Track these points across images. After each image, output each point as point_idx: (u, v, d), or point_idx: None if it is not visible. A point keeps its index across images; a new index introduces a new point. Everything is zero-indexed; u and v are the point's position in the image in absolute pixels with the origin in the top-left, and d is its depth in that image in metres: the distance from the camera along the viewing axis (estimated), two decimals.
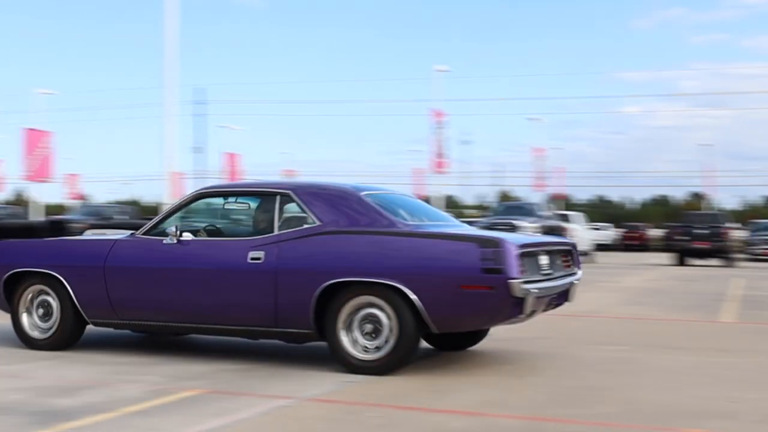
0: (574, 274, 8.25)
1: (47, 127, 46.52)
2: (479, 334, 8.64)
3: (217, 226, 8.27)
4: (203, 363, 8.06)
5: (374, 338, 7.24)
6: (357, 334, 7.27)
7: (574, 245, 8.56)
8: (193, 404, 6.24)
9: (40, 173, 44.56)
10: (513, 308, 6.95)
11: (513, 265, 6.81)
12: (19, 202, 73.57)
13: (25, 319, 8.59)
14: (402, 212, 7.81)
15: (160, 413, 5.94)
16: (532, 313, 7.30)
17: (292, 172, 68.15)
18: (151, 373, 7.52)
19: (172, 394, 6.61)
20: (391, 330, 7.13)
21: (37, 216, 43.07)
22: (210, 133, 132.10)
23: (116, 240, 8.36)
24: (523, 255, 7.01)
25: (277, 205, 7.71)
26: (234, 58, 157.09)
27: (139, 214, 38.73)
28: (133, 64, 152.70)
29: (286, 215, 7.67)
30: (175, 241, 7.89)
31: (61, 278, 8.29)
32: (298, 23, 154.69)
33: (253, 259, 7.52)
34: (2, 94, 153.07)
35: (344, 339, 7.29)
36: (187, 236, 7.90)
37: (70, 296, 8.28)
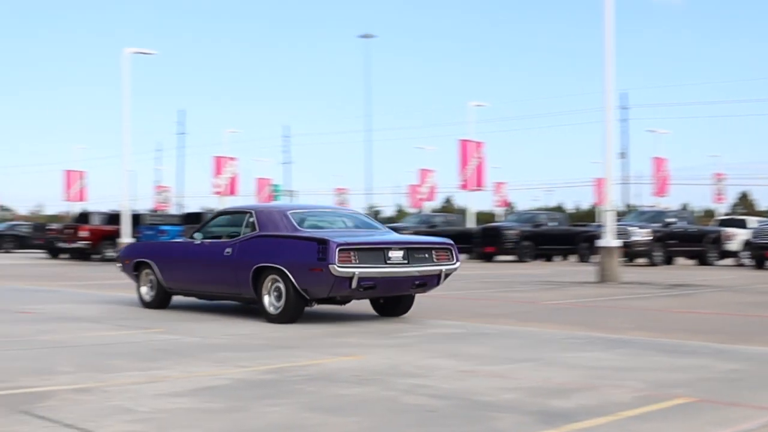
0: (444, 265, 11.97)
1: (479, 138, 48.62)
2: (403, 306, 12.72)
3: (217, 233, 12.95)
4: (679, 371, 7.93)
5: (279, 300, 11.65)
6: (271, 297, 11.75)
7: (450, 244, 12.26)
8: (688, 412, 6.15)
9: (473, 182, 46.56)
10: (342, 283, 11.05)
11: (333, 257, 10.84)
12: (448, 209, 77.61)
13: (143, 289, 14.08)
14: (309, 223, 12.21)
15: (658, 419, 5.93)
16: (369, 288, 11.30)
17: (720, 175, 65.03)
18: (630, 378, 7.53)
19: (662, 401, 6.56)
20: (285, 295, 11.51)
21: (470, 223, 45.03)
22: (633, 138, 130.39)
23: (173, 240, 14.86)
24: (350, 250, 10.99)
25: (245, 219, 12.46)
26: (653, 59, 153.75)
27: (567, 221, 39.16)
28: (559, 73, 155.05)
29: (247, 226, 12.30)
30: (198, 242, 12.97)
31: (152, 264, 13.75)
32: (716, 20, 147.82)
33: (226, 252, 12.32)
34: (439, 107, 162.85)
35: (266, 300, 11.80)
36: (200, 238, 13.04)
37: (157, 275, 13.68)
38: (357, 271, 10.95)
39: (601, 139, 23.37)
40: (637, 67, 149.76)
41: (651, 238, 33.25)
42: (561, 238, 38.06)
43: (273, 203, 17.61)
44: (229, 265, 12.15)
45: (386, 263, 11.29)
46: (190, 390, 6.85)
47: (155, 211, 74.53)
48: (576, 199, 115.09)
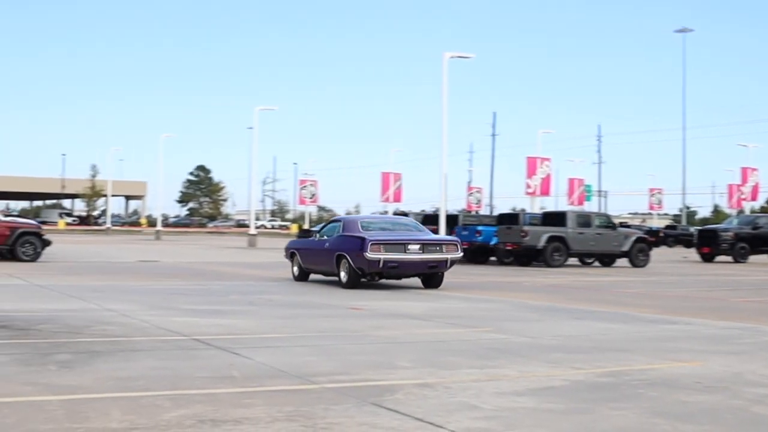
0: (451, 254, 18.14)
1: None
2: (434, 282, 18.78)
3: (326, 233, 19.60)
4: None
5: (346, 274, 18.15)
6: (343, 272, 18.19)
7: (455, 241, 18.94)
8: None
9: None
10: (374, 263, 17.46)
11: (367, 247, 17.34)
12: None
13: (294, 269, 20.78)
14: (373, 227, 18.70)
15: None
16: (393, 268, 17.75)
17: None
18: None
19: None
20: (348, 270, 18.04)
21: None
22: None
23: (306, 239, 21.29)
24: (379, 243, 17.51)
25: (339, 225, 19.32)
26: None
27: None
28: None
29: (339, 229, 19.27)
30: (317, 239, 19.69)
31: (296, 253, 20.57)
32: None
33: (326, 246, 18.89)
34: (762, 103, 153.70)
35: (341, 274, 18.24)
36: (318, 236, 19.83)
37: (299, 260, 20.52)
38: (383, 257, 17.38)
39: None
40: None
41: None
42: None
43: (355, 216, 26.64)
44: (326, 253, 18.78)
45: (405, 252, 17.62)
46: (529, 389, 6.90)
47: (469, 211, 76.04)
48: None
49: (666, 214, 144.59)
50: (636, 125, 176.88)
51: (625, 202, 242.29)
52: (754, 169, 62.12)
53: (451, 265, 18.37)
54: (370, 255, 17.21)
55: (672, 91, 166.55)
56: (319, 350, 9.05)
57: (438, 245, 18.11)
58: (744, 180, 62.28)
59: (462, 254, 18.64)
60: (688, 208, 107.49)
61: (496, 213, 54.00)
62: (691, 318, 13.02)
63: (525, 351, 9.17)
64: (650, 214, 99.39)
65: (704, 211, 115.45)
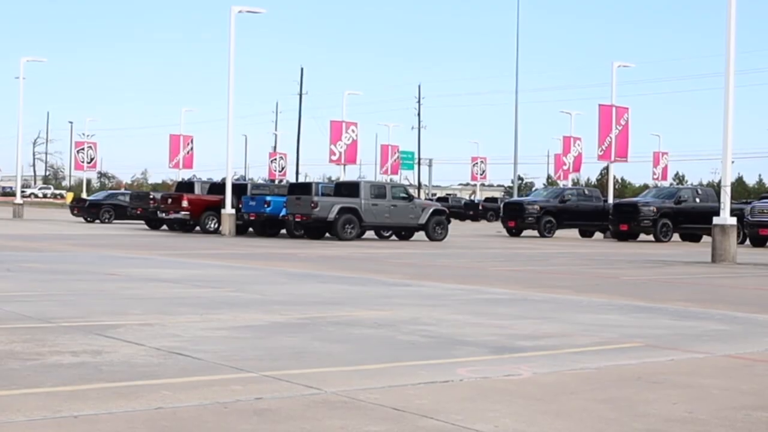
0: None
1: (627, 102, 50.58)
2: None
3: None
4: (663, 328, 10.64)
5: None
6: None
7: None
8: (626, 351, 8.88)
9: (616, 152, 48.51)
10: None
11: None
12: (604, 183, 79.13)
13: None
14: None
15: (590, 354, 8.69)
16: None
17: None
18: (609, 331, 10.27)
19: (612, 344, 9.32)
20: None
21: (611, 199, 47.00)
22: None
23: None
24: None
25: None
26: None
27: (712, 197, 40.71)
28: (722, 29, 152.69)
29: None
30: None
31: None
32: None
33: None
34: (587, 68, 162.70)
35: None
36: None
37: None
38: None
39: (723, 103, 25.42)
40: None
41: None
42: (707, 216, 40.00)
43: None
44: None
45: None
46: (231, 327, 9.98)
47: (272, 180, 78.83)
48: (760, 173, 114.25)
49: (500, 185, 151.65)
50: (463, 87, 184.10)
51: (454, 171, 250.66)
52: (577, 139, 67.55)
53: None
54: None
55: (498, 51, 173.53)
56: (66, 303, 11.85)
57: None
58: (566, 150, 67.65)
59: None
60: (521, 179, 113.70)
61: (305, 181, 57.08)
62: (432, 282, 16.44)
63: (250, 304, 12.26)
64: (482, 185, 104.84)
65: (539, 183, 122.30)
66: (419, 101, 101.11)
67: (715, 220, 24.98)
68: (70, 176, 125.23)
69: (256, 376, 7.14)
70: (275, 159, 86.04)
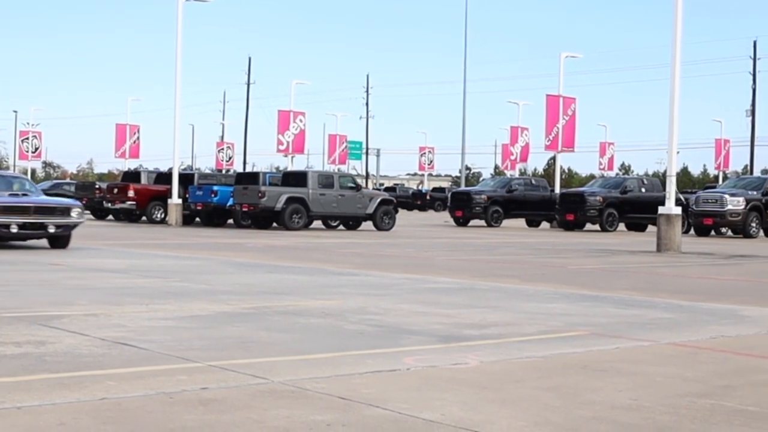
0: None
1: (574, 92, 50.89)
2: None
3: None
4: (608, 317, 10.73)
5: None
6: None
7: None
8: (572, 340, 8.93)
9: (563, 142, 48.88)
10: None
11: None
12: (550, 173, 79.64)
13: None
14: None
15: (536, 342, 8.74)
16: None
17: None
18: (555, 320, 10.33)
19: (558, 332, 9.37)
20: None
21: (557, 189, 47.37)
22: (764, 94, 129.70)
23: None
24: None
25: None
26: None
27: (657, 187, 41.11)
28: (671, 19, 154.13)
29: None
30: None
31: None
32: None
33: None
34: (535, 59, 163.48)
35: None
36: None
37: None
38: None
39: (668, 94, 25.67)
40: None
41: (745, 207, 35.30)
42: (652, 206, 40.43)
43: None
44: None
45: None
46: (177, 317, 9.90)
47: (219, 170, 78.48)
48: (705, 163, 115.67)
49: (448, 175, 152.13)
50: (411, 77, 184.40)
51: (402, 161, 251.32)
52: (525, 129, 67.93)
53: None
54: None
55: (453, 41, 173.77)
56: (8, 294, 11.70)
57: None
58: (514, 140, 68.03)
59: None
60: (468, 169, 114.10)
61: (253, 171, 56.90)
62: (380, 272, 16.44)
63: (197, 294, 12.18)
64: (430, 174, 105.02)
65: (487, 173, 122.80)
66: (367, 91, 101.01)
67: (660, 209, 25.22)
68: (14, 166, 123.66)
69: (202, 366, 7.10)
70: (222, 149, 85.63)
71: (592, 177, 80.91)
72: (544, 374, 7.16)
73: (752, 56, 72.73)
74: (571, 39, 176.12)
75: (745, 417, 5.88)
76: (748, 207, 35.40)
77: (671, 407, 6.08)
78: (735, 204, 35.32)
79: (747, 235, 35.44)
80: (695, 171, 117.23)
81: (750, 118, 71.81)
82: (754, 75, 72.28)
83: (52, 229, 20.17)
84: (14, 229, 19.67)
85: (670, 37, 25.73)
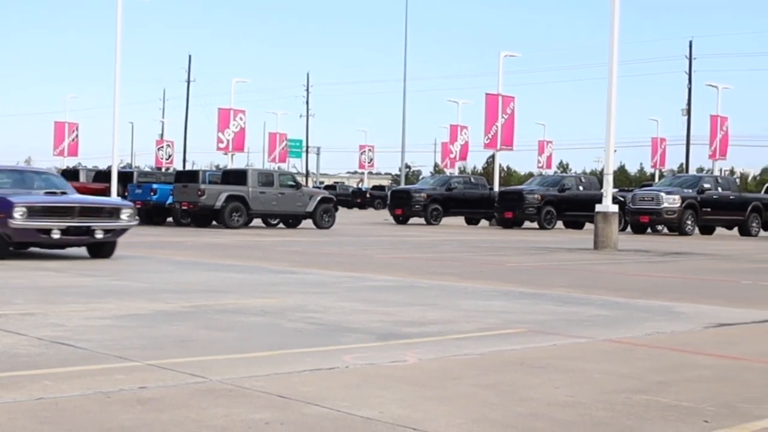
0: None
1: (513, 91, 51.18)
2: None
3: None
4: (546, 314, 10.82)
5: None
6: None
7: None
8: (509, 337, 8.99)
9: (502, 141, 49.14)
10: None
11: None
12: (489, 171, 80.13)
13: None
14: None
15: (475, 340, 8.78)
16: None
17: None
18: (494, 317, 10.39)
19: (496, 330, 9.42)
20: None
21: (496, 187, 47.64)
22: (699, 93, 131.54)
23: None
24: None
25: None
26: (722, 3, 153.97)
27: (595, 185, 41.49)
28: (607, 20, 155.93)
29: None
30: None
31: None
32: None
33: None
34: (476, 58, 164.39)
35: None
36: None
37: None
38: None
39: (606, 93, 25.93)
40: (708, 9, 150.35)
41: (681, 205, 35.73)
42: (590, 204, 40.81)
43: None
44: None
45: None
46: (116, 316, 9.81)
47: (158, 168, 77.82)
48: (642, 161, 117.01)
49: (388, 174, 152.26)
50: (351, 75, 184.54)
51: (342, 159, 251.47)
52: (464, 127, 68.15)
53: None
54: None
55: (393, 39, 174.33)
56: None
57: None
58: (453, 138, 68.23)
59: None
60: (408, 167, 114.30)
61: (192, 169, 56.53)
62: (319, 270, 16.43)
63: (136, 293, 12.08)
64: (370, 173, 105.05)
65: (427, 171, 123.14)
66: (308, 89, 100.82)
67: (598, 207, 25.45)
68: None
69: (141, 365, 7.04)
70: (162, 147, 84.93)
71: (530, 175, 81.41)
72: (482, 371, 7.20)
73: (688, 56, 73.62)
74: (510, 38, 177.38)
75: (679, 412, 5.95)
76: (683, 205, 35.82)
77: (607, 403, 6.14)
78: (671, 202, 35.72)
79: (683, 233, 35.85)
80: (632, 169, 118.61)
81: (686, 117, 72.69)
82: (690, 75, 73.15)
83: (99, 235, 17.23)
84: (56, 235, 16.74)
85: (608, 37, 25.99)
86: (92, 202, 18.31)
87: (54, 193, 17.94)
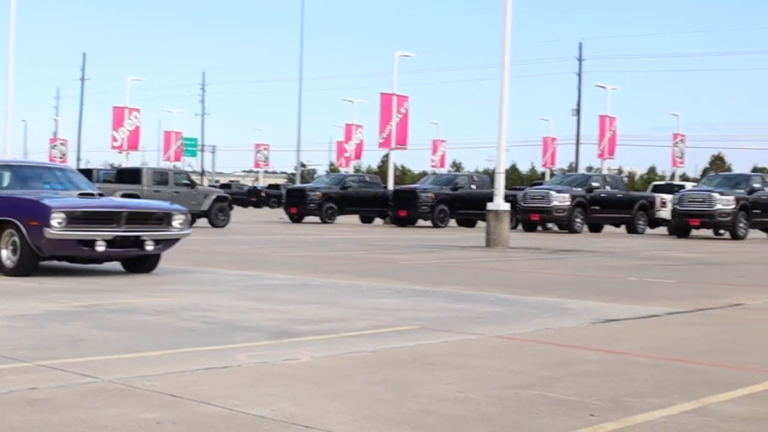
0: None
1: (408, 91, 51.43)
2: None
3: None
4: (439, 311, 10.92)
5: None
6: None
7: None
8: (402, 334, 9.05)
9: (396, 140, 49.37)
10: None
11: None
12: (384, 169, 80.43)
13: None
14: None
15: (367, 337, 8.81)
16: None
17: (679, 136, 68.56)
18: (387, 315, 10.44)
19: (389, 327, 9.48)
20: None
21: (390, 186, 47.88)
22: (588, 94, 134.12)
23: None
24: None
25: None
26: (612, 6, 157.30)
27: (487, 184, 41.95)
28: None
29: None
30: None
31: None
32: None
33: None
34: (371, 57, 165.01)
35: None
36: None
37: None
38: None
39: (498, 93, 26.24)
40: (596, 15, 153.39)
41: (570, 203, 36.36)
42: (482, 202, 41.24)
43: None
44: None
45: None
46: (6, 316, 9.61)
47: None
48: (533, 160, 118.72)
49: (283, 172, 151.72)
50: (245, 75, 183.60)
51: (238, 158, 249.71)
52: (359, 126, 68.30)
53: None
54: None
55: (289, 38, 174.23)
56: None
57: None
58: (348, 137, 68.32)
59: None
60: (304, 166, 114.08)
61: (86, 168, 55.58)
62: (213, 268, 16.31)
63: (26, 293, 11.83)
64: (266, 171, 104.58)
65: (322, 170, 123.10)
66: (203, 88, 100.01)
67: (489, 205, 25.74)
68: None
69: (31, 365, 6.92)
70: (56, 145, 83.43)
71: (424, 174, 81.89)
72: (375, 369, 7.24)
73: (578, 57, 74.93)
74: (406, 38, 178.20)
75: (566, 407, 6.06)
76: (573, 203, 36.44)
77: (497, 399, 6.22)
78: (560, 200, 36.31)
79: (572, 231, 36.47)
80: (524, 168, 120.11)
81: (576, 118, 73.99)
82: (580, 76, 74.48)
83: (149, 246, 14.44)
84: (101, 248, 13.86)
85: (500, 38, 26.28)
86: (141, 207, 15.49)
87: (90, 195, 15.23)
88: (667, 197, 39.86)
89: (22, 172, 16.04)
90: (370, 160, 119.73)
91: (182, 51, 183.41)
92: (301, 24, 71.39)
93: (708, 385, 6.89)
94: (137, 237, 14.25)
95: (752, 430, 5.67)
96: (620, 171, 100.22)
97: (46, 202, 13.76)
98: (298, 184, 56.78)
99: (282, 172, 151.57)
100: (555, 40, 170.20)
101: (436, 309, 11.18)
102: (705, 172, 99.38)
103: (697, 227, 34.90)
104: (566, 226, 36.89)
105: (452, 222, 41.59)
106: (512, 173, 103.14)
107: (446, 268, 18.14)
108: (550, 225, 38.81)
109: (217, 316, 9.97)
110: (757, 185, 35.96)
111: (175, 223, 14.85)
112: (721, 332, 9.97)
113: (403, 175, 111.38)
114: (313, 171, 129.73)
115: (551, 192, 36.73)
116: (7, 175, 15.68)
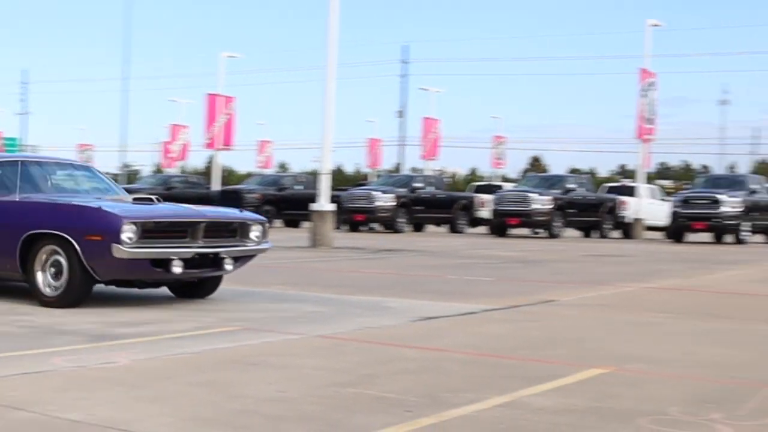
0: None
1: (234, 92, 51.01)
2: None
3: None
4: (262, 312, 10.88)
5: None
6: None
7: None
8: (224, 335, 8.98)
9: (222, 140, 48.94)
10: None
11: None
12: (209, 170, 79.69)
13: None
14: None
15: (189, 339, 8.72)
16: None
17: (500, 138, 70.13)
18: (211, 317, 10.34)
19: (214, 328, 9.40)
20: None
21: (216, 186, 47.46)
22: (412, 96, 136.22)
23: None
24: None
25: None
26: (436, 11, 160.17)
27: (312, 184, 41.98)
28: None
29: None
30: None
31: None
32: None
33: None
34: (197, 58, 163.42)
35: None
36: None
37: None
38: None
39: (324, 94, 26.31)
40: (422, 19, 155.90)
41: (394, 203, 36.76)
42: (307, 202, 41.29)
43: None
44: None
45: None
46: None
47: None
48: (357, 161, 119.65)
49: (108, 173, 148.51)
50: (71, 73, 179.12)
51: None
52: (184, 127, 67.39)
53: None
54: None
55: (115, 38, 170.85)
56: None
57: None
58: (174, 138, 67.33)
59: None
60: (128, 166, 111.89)
61: None
62: None
63: None
64: None
65: (147, 170, 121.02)
66: (24, 86, 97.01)
67: (313, 206, 25.81)
68: None
69: None
70: None
71: (250, 175, 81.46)
72: (196, 370, 7.17)
73: (402, 60, 75.84)
74: (233, 39, 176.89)
75: (385, 404, 6.13)
76: (397, 203, 36.85)
77: (318, 397, 6.25)
78: (384, 201, 36.67)
79: (396, 230, 36.88)
80: (349, 169, 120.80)
81: (400, 119, 74.88)
82: (404, 78, 75.41)
83: (229, 266, 11.48)
84: (177, 269, 10.71)
85: (326, 40, 26.35)
86: (219, 216, 11.87)
87: (148, 201, 11.63)
88: (487, 197, 40.65)
89: (41, 171, 12.42)
90: (196, 161, 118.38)
91: (2, 50, 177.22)
92: (127, 22, 69.94)
93: (520, 379, 7.09)
94: (216, 254, 11.23)
95: (560, 421, 5.86)
96: (443, 172, 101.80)
97: (114, 210, 10.48)
98: (124, 185, 55.58)
99: (106, 173, 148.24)
100: (382, 43, 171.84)
101: (260, 309, 11.15)
102: (525, 173, 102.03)
103: (515, 226, 35.80)
104: (390, 225, 37.25)
105: (278, 222, 41.47)
106: (338, 174, 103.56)
107: (270, 268, 18.04)
108: (374, 225, 39.11)
109: (34, 320, 9.71)
110: (572, 185, 37.16)
111: (253, 236, 11.82)
112: (534, 328, 10.26)
113: (229, 175, 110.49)
114: (138, 172, 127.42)
115: (375, 192, 37.05)
116: (32, 176, 12.15)
